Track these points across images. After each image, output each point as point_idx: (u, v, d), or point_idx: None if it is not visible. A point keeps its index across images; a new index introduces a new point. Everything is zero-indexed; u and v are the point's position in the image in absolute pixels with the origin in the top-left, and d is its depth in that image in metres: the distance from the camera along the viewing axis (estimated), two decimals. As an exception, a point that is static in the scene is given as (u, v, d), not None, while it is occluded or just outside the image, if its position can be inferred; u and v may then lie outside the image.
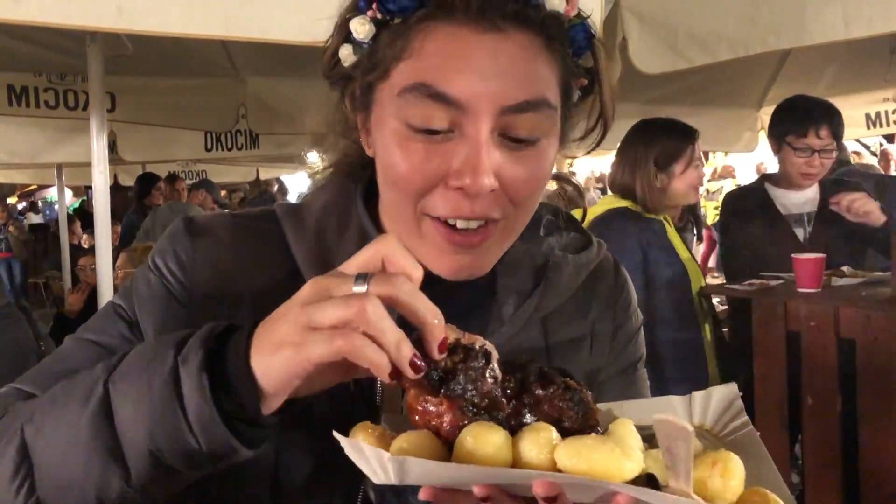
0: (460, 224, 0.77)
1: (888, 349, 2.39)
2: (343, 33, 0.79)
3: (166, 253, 0.86)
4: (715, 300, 3.22)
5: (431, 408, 0.63)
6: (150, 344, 0.70)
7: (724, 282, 3.34)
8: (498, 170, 0.75)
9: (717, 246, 5.55)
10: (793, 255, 2.81)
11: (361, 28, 0.76)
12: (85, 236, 9.99)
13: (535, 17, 0.75)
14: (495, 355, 0.67)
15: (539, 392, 0.65)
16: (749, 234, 3.24)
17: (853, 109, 5.96)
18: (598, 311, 0.96)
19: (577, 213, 1.02)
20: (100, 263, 3.15)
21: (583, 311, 0.95)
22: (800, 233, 3.13)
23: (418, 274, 0.66)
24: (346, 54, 0.79)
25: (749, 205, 3.27)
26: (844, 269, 2.97)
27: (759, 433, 0.71)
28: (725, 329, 3.21)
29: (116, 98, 4.75)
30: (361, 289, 0.62)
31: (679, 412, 0.75)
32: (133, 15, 1.82)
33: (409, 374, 0.62)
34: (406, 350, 0.61)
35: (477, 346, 0.66)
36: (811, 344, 2.61)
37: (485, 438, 0.60)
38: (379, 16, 0.75)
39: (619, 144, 2.87)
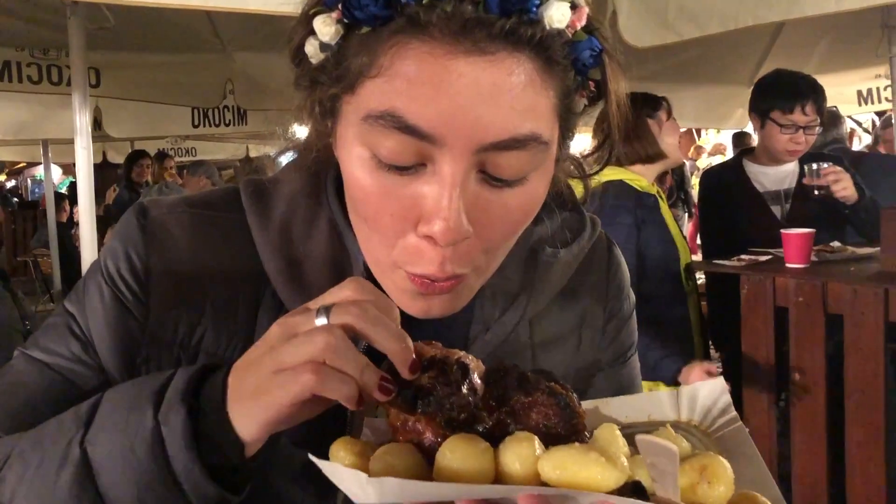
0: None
1: (875, 325, 2.39)
2: (308, 27, 0.68)
3: (119, 256, 0.79)
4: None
5: (411, 425, 0.61)
6: (123, 395, 0.67)
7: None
8: (472, 211, 0.65)
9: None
10: (781, 231, 2.79)
11: (326, 29, 0.66)
12: (77, 210, 9.92)
13: (531, 38, 0.63)
14: (476, 367, 0.64)
15: (522, 400, 0.62)
16: (725, 211, 3.23)
17: (845, 86, 5.94)
18: (588, 300, 0.91)
19: (576, 186, 0.91)
20: (83, 240, 3.13)
21: (572, 303, 0.90)
22: (777, 210, 3.12)
23: (394, 315, 0.64)
24: (313, 51, 0.68)
25: (725, 182, 3.26)
26: (834, 244, 2.97)
27: (747, 429, 0.70)
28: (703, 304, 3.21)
29: (101, 74, 4.70)
30: (322, 321, 0.61)
31: (666, 407, 0.73)
32: (110, -16, 1.78)
33: (379, 398, 0.61)
34: (370, 376, 0.60)
35: (453, 360, 0.63)
36: (799, 320, 2.61)
37: (463, 452, 0.57)
38: (346, 20, 0.65)
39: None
